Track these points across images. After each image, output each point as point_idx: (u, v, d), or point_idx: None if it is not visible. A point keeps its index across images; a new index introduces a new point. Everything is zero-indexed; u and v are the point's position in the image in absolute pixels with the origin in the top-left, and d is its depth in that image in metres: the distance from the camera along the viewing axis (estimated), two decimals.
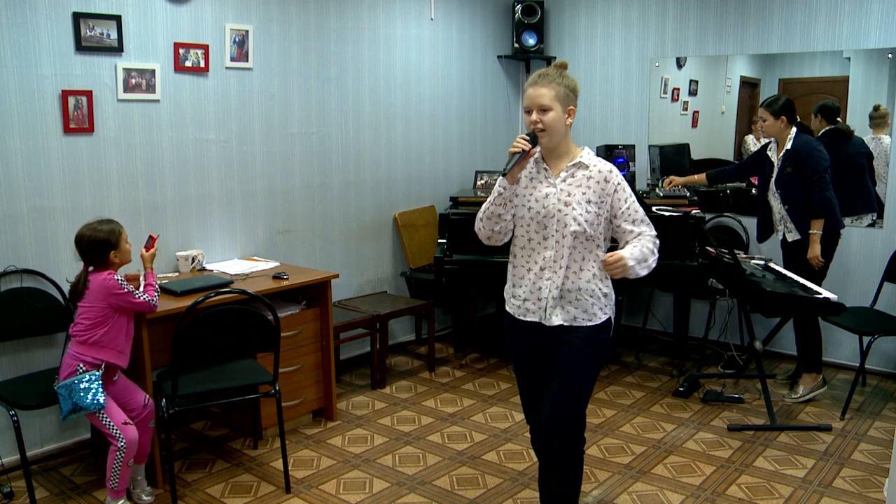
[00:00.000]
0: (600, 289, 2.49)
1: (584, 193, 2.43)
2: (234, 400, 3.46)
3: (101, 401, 2.92)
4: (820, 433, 3.84)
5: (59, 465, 3.50)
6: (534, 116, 2.41)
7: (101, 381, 2.95)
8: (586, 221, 2.41)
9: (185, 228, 3.95)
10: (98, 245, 2.97)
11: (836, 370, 4.71)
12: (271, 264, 4.04)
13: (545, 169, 2.49)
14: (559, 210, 2.44)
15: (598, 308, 2.49)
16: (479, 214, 2.54)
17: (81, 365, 2.94)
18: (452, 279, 4.50)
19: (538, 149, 2.48)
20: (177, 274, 3.81)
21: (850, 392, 4.09)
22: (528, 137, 2.40)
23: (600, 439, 3.79)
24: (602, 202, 2.44)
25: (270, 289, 3.59)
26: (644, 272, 2.42)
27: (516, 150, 2.38)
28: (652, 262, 2.44)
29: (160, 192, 3.83)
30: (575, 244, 2.43)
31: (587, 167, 2.46)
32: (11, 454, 3.33)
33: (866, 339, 4.09)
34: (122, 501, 3.06)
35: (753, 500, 3.19)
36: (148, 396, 3.16)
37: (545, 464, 2.65)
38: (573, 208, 2.42)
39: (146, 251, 3.21)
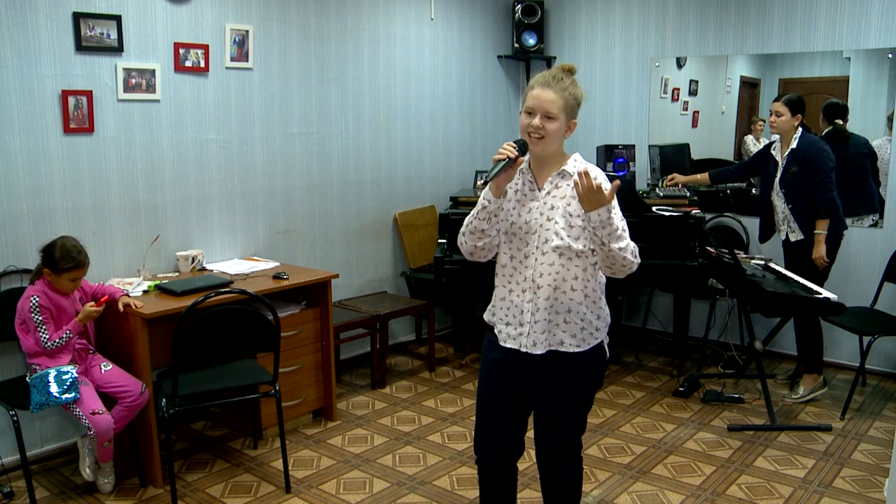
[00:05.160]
0: (592, 311, 2.26)
1: (568, 205, 2.20)
2: (234, 400, 3.46)
3: (75, 395, 2.98)
4: (820, 433, 3.84)
5: (59, 465, 3.50)
6: (536, 121, 2.17)
7: (76, 376, 3.00)
8: (569, 236, 2.18)
9: (185, 228, 3.95)
10: (46, 253, 3.01)
11: (836, 370, 4.71)
12: (271, 264, 4.04)
13: (531, 181, 2.26)
14: (541, 225, 2.21)
15: (589, 332, 2.26)
16: (462, 228, 2.30)
17: (37, 364, 3.03)
18: (452, 279, 4.50)
19: (526, 157, 2.25)
20: (177, 274, 3.81)
21: (851, 392, 4.10)
22: (515, 145, 2.15)
23: (600, 439, 3.79)
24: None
25: (270, 289, 3.59)
26: (616, 244, 2.13)
27: (502, 157, 2.13)
28: (630, 256, 2.17)
29: (160, 192, 3.83)
30: (561, 261, 2.20)
31: (571, 175, 2.21)
32: (11, 454, 3.34)
33: (866, 339, 4.09)
34: (109, 464, 3.22)
35: (753, 500, 3.19)
36: (144, 385, 3.18)
37: (542, 483, 2.50)
38: (555, 222, 2.19)
39: (92, 306, 3.07)
